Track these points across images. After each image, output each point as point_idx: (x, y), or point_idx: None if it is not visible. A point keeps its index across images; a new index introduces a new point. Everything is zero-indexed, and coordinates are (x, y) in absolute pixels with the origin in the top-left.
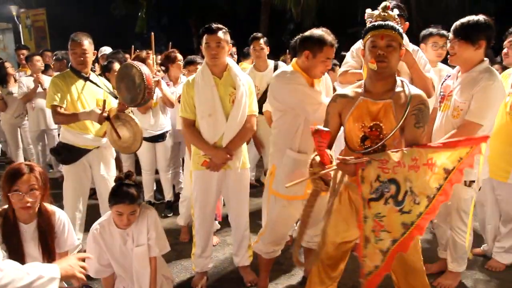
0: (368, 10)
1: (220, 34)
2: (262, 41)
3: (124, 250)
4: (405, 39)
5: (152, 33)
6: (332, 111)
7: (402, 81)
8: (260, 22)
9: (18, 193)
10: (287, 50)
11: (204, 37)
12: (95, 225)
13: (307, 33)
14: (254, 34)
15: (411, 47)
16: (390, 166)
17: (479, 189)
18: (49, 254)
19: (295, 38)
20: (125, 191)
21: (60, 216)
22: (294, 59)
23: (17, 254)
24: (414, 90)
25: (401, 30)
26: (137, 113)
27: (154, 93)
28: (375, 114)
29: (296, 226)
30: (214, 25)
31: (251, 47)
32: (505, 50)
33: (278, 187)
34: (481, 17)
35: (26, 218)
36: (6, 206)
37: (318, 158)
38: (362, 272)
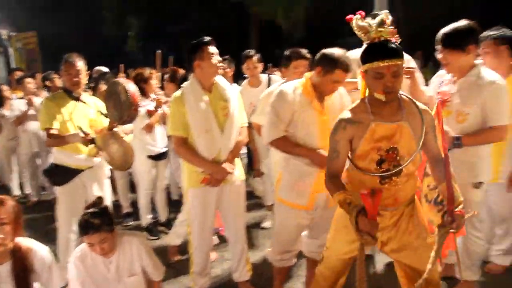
0: (358, 21)
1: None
2: (255, 58)
3: (108, 278)
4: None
5: (159, 51)
6: (342, 139)
7: (402, 96)
8: (250, 36)
9: None
10: (270, 64)
11: (206, 50)
12: (76, 252)
13: (328, 50)
14: (247, 52)
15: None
16: None
17: (486, 192)
18: None
19: (286, 51)
20: (88, 221)
21: (39, 252)
22: (307, 73)
23: None
24: (421, 105)
25: (402, 50)
26: (143, 132)
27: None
28: (390, 136)
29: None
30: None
31: (245, 65)
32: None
33: (283, 193)
34: (464, 23)
35: None
36: None
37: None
38: None
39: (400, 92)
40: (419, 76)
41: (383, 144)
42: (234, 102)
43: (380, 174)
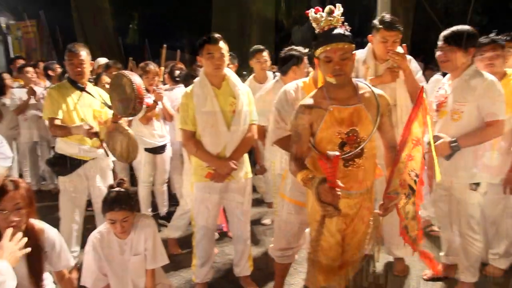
0: (311, 13)
1: (222, 43)
2: (265, 53)
3: (121, 260)
4: (400, 49)
5: (164, 45)
6: (303, 124)
7: (358, 82)
8: (251, 34)
9: (3, 212)
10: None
11: (206, 47)
12: (94, 233)
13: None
14: (257, 46)
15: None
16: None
17: (485, 193)
18: (37, 274)
19: (284, 50)
20: (115, 198)
21: (50, 234)
22: (312, 72)
23: None
24: (377, 90)
25: (350, 36)
26: (139, 123)
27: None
28: (348, 119)
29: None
30: (216, 35)
31: (254, 59)
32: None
33: (286, 191)
34: (467, 27)
35: None
36: None
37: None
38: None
39: (358, 79)
40: (414, 66)
41: (343, 127)
42: (243, 99)
43: (342, 156)
